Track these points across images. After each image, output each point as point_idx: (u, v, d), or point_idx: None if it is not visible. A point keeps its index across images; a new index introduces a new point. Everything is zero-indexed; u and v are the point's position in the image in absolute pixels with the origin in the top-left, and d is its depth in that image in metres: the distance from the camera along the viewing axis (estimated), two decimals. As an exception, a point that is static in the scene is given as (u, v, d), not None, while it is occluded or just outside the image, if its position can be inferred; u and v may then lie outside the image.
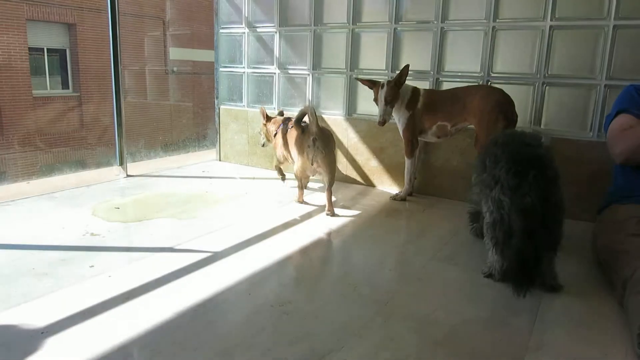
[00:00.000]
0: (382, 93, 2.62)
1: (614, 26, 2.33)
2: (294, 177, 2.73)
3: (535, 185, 1.56)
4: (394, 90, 2.61)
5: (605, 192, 2.05)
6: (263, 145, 3.19)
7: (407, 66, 2.61)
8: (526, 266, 1.57)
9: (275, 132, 2.94)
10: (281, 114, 3.10)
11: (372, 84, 2.69)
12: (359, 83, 2.82)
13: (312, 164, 2.51)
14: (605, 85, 2.39)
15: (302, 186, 2.72)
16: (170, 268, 1.80)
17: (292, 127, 2.68)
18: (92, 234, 2.11)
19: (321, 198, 2.77)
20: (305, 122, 2.63)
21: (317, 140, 2.46)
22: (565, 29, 2.47)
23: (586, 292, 1.70)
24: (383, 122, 2.64)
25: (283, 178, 3.06)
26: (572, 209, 2.41)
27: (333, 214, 2.50)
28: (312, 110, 2.47)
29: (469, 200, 2.09)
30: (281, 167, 3.02)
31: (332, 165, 2.55)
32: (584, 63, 2.43)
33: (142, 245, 2.04)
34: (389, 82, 2.62)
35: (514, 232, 1.59)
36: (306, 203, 2.71)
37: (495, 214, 1.65)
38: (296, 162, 2.62)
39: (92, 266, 1.79)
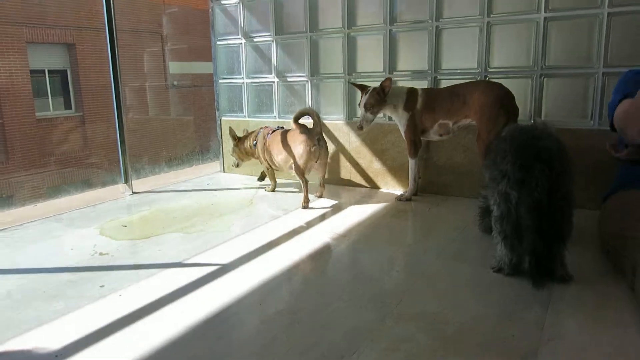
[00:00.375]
0: (363, 99, 2.68)
1: (609, 14, 2.33)
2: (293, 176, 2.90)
3: (542, 179, 1.55)
4: (375, 98, 2.66)
5: (608, 181, 2.04)
6: (237, 166, 3.31)
7: (388, 79, 2.65)
8: (541, 261, 1.57)
9: (254, 142, 3.09)
10: (246, 132, 3.26)
11: (362, 89, 2.73)
12: (358, 91, 2.83)
13: (315, 161, 2.76)
14: (603, 74, 2.38)
15: (307, 183, 2.81)
16: (179, 283, 1.81)
17: (274, 130, 2.99)
18: (100, 254, 2.13)
19: (323, 205, 2.79)
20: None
21: (321, 139, 2.76)
22: (560, 20, 2.46)
23: (596, 280, 1.70)
24: (360, 127, 2.71)
25: (272, 188, 3.18)
26: (577, 198, 2.41)
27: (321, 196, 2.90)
28: (315, 112, 2.74)
29: (480, 196, 2.09)
30: (269, 172, 3.15)
31: (326, 164, 2.90)
32: (580, 52, 2.43)
33: (151, 261, 2.05)
34: (373, 88, 2.66)
35: (523, 227, 1.59)
36: (311, 208, 2.72)
37: (502, 207, 1.65)
38: (299, 159, 2.76)
39: (103, 286, 1.80)
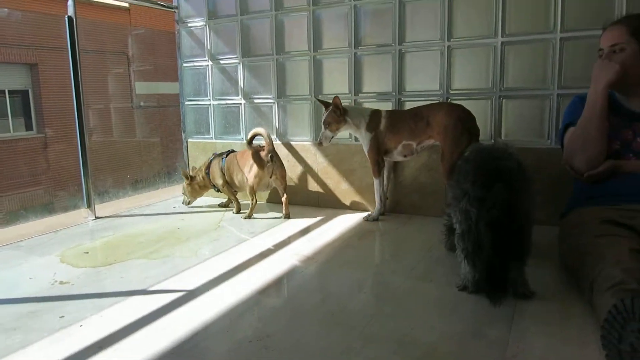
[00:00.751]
0: (323, 116, 2.77)
1: (561, 38, 2.44)
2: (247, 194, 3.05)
3: (501, 197, 1.59)
4: (332, 116, 2.74)
5: (568, 197, 2.11)
6: (189, 204, 3.35)
7: (336, 97, 2.73)
8: (495, 276, 1.61)
9: (207, 170, 3.23)
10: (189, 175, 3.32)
11: (325, 106, 2.79)
12: (323, 108, 2.86)
13: (270, 177, 2.97)
14: (557, 95, 2.48)
15: (256, 200, 3.02)
16: (143, 311, 1.76)
17: (227, 154, 3.19)
18: (61, 283, 2.06)
19: (291, 227, 2.78)
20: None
21: (274, 156, 2.95)
22: (516, 44, 2.57)
23: (557, 297, 1.74)
24: (319, 142, 2.84)
25: (229, 205, 3.32)
26: (537, 214, 2.48)
27: (289, 216, 2.99)
28: (266, 132, 2.96)
29: (445, 214, 2.13)
30: (230, 193, 3.24)
31: (285, 176, 3.06)
32: (536, 75, 2.53)
33: (114, 289, 1.99)
34: (331, 107, 2.74)
35: (482, 244, 1.63)
36: (279, 230, 2.71)
37: (464, 224, 1.69)
38: (252, 177, 2.95)
39: (63, 316, 1.74)
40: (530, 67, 2.55)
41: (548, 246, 2.13)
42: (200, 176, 3.26)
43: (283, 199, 3.02)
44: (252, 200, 3.00)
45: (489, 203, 1.60)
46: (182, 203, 3.38)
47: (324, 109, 2.80)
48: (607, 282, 1.44)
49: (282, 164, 3.03)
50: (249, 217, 3.01)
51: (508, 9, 2.54)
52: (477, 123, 2.52)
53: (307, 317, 1.70)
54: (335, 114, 2.75)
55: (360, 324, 1.61)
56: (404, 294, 1.85)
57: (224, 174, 3.17)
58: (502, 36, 2.57)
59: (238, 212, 3.17)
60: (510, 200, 1.60)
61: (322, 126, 2.80)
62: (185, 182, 3.28)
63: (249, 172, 2.98)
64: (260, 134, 2.97)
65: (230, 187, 3.21)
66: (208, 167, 3.24)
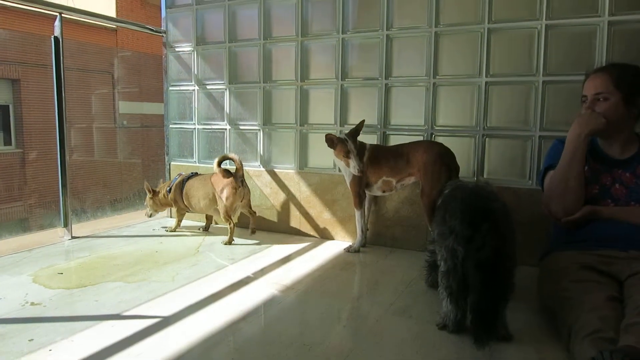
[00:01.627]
0: (351, 146, 2.64)
1: (544, 82, 2.51)
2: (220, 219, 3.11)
3: (488, 238, 1.61)
4: (339, 148, 2.68)
5: (545, 239, 2.14)
6: (150, 216, 3.39)
7: (362, 121, 2.73)
8: (485, 319, 1.61)
9: (168, 188, 3.28)
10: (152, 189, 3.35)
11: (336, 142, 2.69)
12: (308, 137, 2.88)
13: (241, 201, 3.02)
14: (539, 136, 2.54)
15: (234, 224, 3.05)
16: (117, 337, 1.72)
17: (189, 177, 3.24)
18: (32, 304, 2.00)
19: (271, 255, 2.77)
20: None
21: (244, 180, 3.04)
22: (499, 85, 2.63)
23: (535, 340, 1.74)
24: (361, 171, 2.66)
25: (175, 227, 3.35)
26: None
27: (254, 232, 3.12)
28: (236, 156, 3.03)
29: (427, 250, 2.13)
30: (179, 213, 3.32)
31: (250, 199, 3.15)
32: (519, 116, 2.59)
33: (87, 313, 1.94)
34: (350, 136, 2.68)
35: (469, 284, 1.64)
36: (260, 258, 2.68)
37: (449, 262, 1.69)
38: (226, 201, 2.98)
39: (32, 340, 1.68)
40: (513, 107, 2.61)
41: (526, 288, 2.15)
42: (162, 193, 3.30)
43: (253, 218, 3.14)
44: (230, 224, 3.00)
45: (477, 242, 1.61)
46: (145, 215, 3.39)
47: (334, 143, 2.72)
48: (584, 329, 1.45)
49: (249, 189, 3.13)
50: (230, 242, 2.99)
51: (493, 49, 2.62)
52: (460, 161, 2.56)
53: (284, 349, 1.67)
54: (340, 147, 2.67)
55: (338, 359, 1.59)
56: (383, 329, 1.84)
57: (182, 197, 3.23)
58: (486, 76, 2.64)
59: (175, 230, 3.30)
60: (499, 240, 1.62)
61: (355, 156, 2.62)
62: (148, 196, 3.31)
63: (222, 195, 3.00)
64: (231, 158, 3.04)
65: (181, 208, 3.29)
66: (170, 187, 3.29)
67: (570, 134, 1.93)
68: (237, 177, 3.00)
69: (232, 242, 2.99)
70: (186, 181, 3.23)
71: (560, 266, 1.85)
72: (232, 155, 3.05)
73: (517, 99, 2.60)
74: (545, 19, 2.48)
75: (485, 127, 2.67)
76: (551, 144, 2.19)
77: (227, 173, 3.01)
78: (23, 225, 9.07)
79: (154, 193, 3.31)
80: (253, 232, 3.13)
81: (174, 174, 3.71)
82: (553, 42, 2.49)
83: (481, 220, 1.63)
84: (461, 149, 2.62)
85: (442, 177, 2.44)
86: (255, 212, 3.17)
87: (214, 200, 3.08)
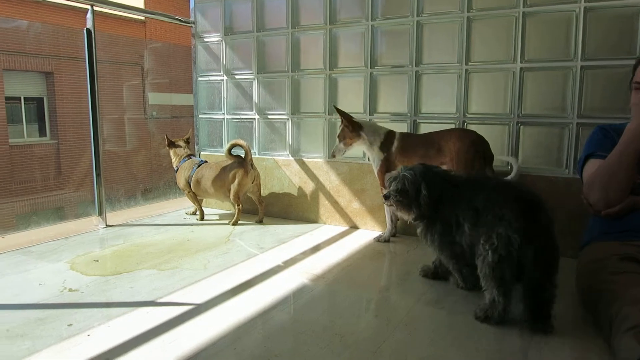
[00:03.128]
0: (339, 129, 2.83)
1: (582, 67, 2.43)
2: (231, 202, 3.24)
3: (545, 226, 1.68)
4: (344, 131, 2.79)
5: (585, 229, 2.07)
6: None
7: (340, 112, 2.79)
8: (546, 308, 1.67)
9: (176, 168, 3.44)
10: (187, 140, 3.56)
11: (341, 117, 2.80)
12: (337, 125, 2.87)
13: (252, 182, 3.19)
14: (577, 124, 2.46)
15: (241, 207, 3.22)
16: (151, 323, 1.75)
17: (199, 164, 3.34)
18: (70, 290, 2.05)
19: (300, 244, 2.77)
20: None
21: (253, 164, 3.21)
22: (535, 70, 2.56)
23: (575, 333, 1.70)
24: (332, 154, 2.90)
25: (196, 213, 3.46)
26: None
27: (262, 221, 3.27)
28: (245, 143, 3.14)
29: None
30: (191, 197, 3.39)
31: (260, 183, 3.33)
32: (555, 102, 2.52)
33: (122, 299, 1.98)
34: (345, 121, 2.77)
35: (525, 273, 1.66)
36: (289, 247, 2.69)
37: (501, 250, 1.66)
38: (237, 185, 3.13)
39: (71, 325, 1.73)
40: (549, 94, 2.53)
41: (563, 279, 2.09)
42: (175, 160, 3.47)
43: (261, 206, 3.29)
44: (238, 206, 3.19)
45: (535, 230, 1.65)
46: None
47: (340, 122, 2.80)
48: (625, 322, 1.40)
49: (258, 172, 3.28)
50: (236, 223, 3.19)
51: (528, 34, 2.54)
52: (494, 149, 2.50)
53: (316, 338, 1.68)
54: (348, 128, 2.77)
55: (370, 349, 1.58)
56: (415, 320, 1.82)
57: (188, 183, 3.32)
58: (521, 62, 2.57)
59: (202, 219, 3.37)
60: (551, 229, 1.68)
61: (337, 139, 2.84)
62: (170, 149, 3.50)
63: (233, 180, 3.14)
64: (239, 145, 3.16)
65: (194, 194, 3.36)
66: (178, 164, 3.44)
67: (632, 124, 1.80)
68: (247, 162, 3.15)
69: (238, 224, 3.19)
70: (195, 169, 3.32)
71: (599, 257, 1.79)
72: (240, 141, 3.16)
73: (553, 85, 2.52)
74: (584, 1, 2.39)
75: (520, 115, 2.60)
76: (591, 131, 2.11)
77: (238, 159, 3.18)
78: (59, 213, 9.35)
79: (170, 144, 3.49)
80: (260, 221, 3.26)
81: (203, 164, 3.75)
82: (592, 25, 2.40)
83: (534, 210, 1.68)
84: (494, 137, 2.56)
85: (476, 166, 2.40)
86: (263, 201, 3.31)
87: (224, 185, 3.19)
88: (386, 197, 1.98)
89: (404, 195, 1.92)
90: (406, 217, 2.02)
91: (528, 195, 1.74)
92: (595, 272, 1.74)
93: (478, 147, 2.44)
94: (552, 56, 2.51)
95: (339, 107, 2.84)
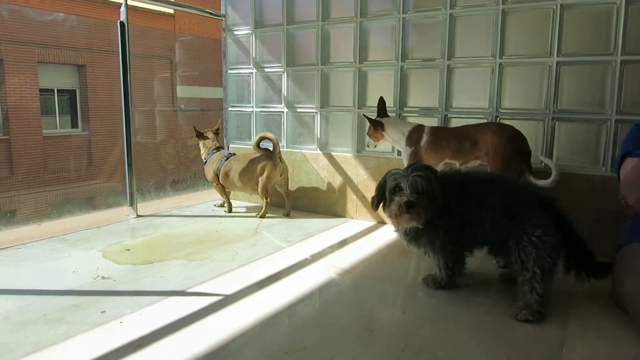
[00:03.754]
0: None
1: (622, 61, 2.35)
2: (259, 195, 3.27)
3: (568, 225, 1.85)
4: (370, 130, 2.86)
5: (621, 230, 2.01)
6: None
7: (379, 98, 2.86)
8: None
9: (204, 160, 3.46)
10: (217, 132, 3.56)
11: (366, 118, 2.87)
12: (366, 120, 2.85)
13: (280, 176, 3.22)
14: (615, 120, 2.38)
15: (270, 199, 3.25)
16: (181, 313, 1.77)
17: (228, 157, 3.38)
18: (102, 278, 2.10)
19: (328, 238, 2.76)
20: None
21: (281, 157, 3.22)
22: (572, 65, 2.48)
23: (608, 333, 1.65)
24: (367, 145, 2.97)
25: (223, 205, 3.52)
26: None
27: (289, 214, 3.29)
28: (273, 136, 3.18)
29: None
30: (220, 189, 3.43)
31: (288, 176, 3.34)
32: (593, 98, 2.44)
33: (153, 288, 2.01)
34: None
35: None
36: (317, 240, 2.69)
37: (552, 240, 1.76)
38: (266, 177, 3.17)
39: (104, 312, 1.77)
40: (587, 89, 2.46)
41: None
42: (204, 151, 3.47)
43: (288, 199, 3.32)
44: (266, 199, 3.21)
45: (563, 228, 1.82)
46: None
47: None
48: None
49: (287, 165, 3.30)
50: (263, 216, 3.21)
51: (565, 27, 2.47)
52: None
53: (344, 332, 1.67)
54: (371, 129, 2.84)
55: (399, 345, 1.57)
56: (443, 316, 1.80)
57: (217, 176, 3.35)
58: (557, 55, 2.50)
59: (230, 211, 3.38)
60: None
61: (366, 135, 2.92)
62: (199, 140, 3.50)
63: (262, 173, 3.18)
64: (268, 137, 3.19)
65: (222, 187, 3.38)
66: (207, 156, 3.45)
67: None
68: (276, 155, 3.17)
69: (266, 216, 3.21)
70: (224, 161, 3.35)
71: (638, 259, 1.73)
72: (269, 134, 3.20)
73: (591, 79, 2.44)
74: (626, -6, 2.31)
75: (556, 110, 2.54)
76: (629, 129, 2.04)
77: (266, 152, 3.20)
78: (91, 203, 9.56)
79: (199, 136, 3.50)
80: (287, 214, 3.27)
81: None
82: (633, 18, 2.31)
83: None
84: (528, 133, 2.49)
85: (513, 164, 2.34)
86: (290, 194, 3.34)
87: (252, 178, 3.22)
88: (411, 205, 1.77)
89: (422, 199, 1.79)
90: (416, 223, 1.84)
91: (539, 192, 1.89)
92: (634, 273, 1.68)
93: (516, 143, 2.38)
94: (591, 50, 2.43)
95: (365, 114, 2.92)
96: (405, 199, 1.78)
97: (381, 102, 2.86)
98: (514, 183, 1.96)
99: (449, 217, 1.86)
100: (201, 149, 3.53)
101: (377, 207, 1.97)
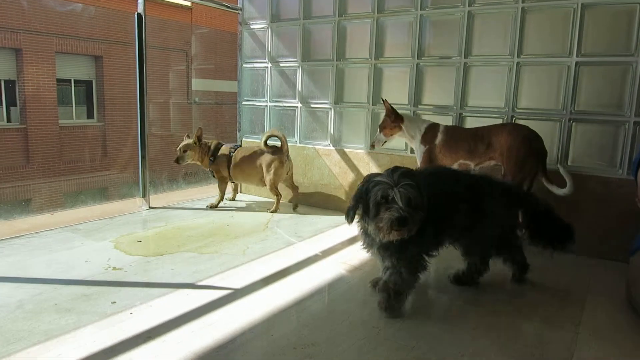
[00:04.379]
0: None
1: (642, 62, 2.30)
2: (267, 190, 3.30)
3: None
4: (386, 120, 2.76)
5: (637, 233, 1.98)
6: (178, 162, 3.34)
7: (384, 102, 2.74)
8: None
9: (212, 158, 3.36)
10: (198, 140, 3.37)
11: (385, 105, 2.76)
12: (380, 117, 2.83)
13: (287, 174, 3.28)
14: (634, 122, 2.34)
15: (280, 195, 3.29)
16: (190, 305, 1.78)
17: (235, 148, 3.39)
18: (114, 268, 2.11)
19: (338, 235, 2.76)
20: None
21: (288, 155, 3.25)
22: (591, 65, 2.44)
23: (618, 337, 1.63)
24: (371, 145, 2.88)
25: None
26: (602, 247, 2.35)
27: (297, 207, 3.34)
28: (282, 133, 3.21)
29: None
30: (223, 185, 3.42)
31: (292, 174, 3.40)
32: (611, 99, 2.40)
33: (164, 280, 2.02)
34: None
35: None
36: (327, 237, 2.69)
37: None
38: (273, 175, 3.20)
39: (114, 302, 1.78)
40: (605, 90, 2.41)
41: (613, 283, 2.01)
42: (202, 154, 3.34)
43: (295, 192, 3.39)
44: (277, 195, 3.25)
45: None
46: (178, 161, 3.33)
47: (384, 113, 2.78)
48: None
49: (292, 162, 3.33)
50: (275, 211, 3.22)
51: (586, 27, 2.42)
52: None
53: (353, 329, 1.67)
54: (390, 118, 2.73)
55: (408, 345, 1.56)
56: (453, 316, 1.79)
57: (228, 168, 3.34)
58: (577, 56, 2.46)
59: (217, 205, 3.33)
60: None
61: (378, 129, 2.80)
62: (189, 141, 3.30)
63: (270, 170, 3.20)
64: (276, 135, 3.21)
65: (223, 177, 3.38)
66: (214, 154, 3.36)
67: None
68: (283, 153, 3.20)
69: (277, 211, 3.23)
70: (233, 153, 3.36)
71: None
72: (276, 132, 3.23)
73: (610, 80, 2.40)
74: (649, -7, 2.26)
75: (573, 111, 2.50)
76: None
77: (274, 149, 3.23)
78: (104, 193, 9.65)
79: (198, 141, 3.32)
80: (295, 207, 3.32)
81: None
82: (656, 18, 2.27)
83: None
84: (544, 133, 2.46)
85: (528, 164, 2.31)
86: (297, 187, 3.39)
87: (260, 172, 3.26)
88: (403, 221, 1.54)
89: (415, 214, 1.58)
90: (404, 236, 1.61)
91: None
92: None
93: (531, 144, 2.34)
94: (611, 51, 2.38)
95: (385, 99, 2.79)
96: (397, 214, 1.54)
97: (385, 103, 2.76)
98: (478, 175, 2.02)
99: (426, 220, 1.66)
100: (196, 157, 3.33)
101: (352, 220, 1.69)
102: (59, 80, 10.13)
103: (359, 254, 2.43)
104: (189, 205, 3.38)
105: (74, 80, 10.58)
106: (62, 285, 1.92)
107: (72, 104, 10.54)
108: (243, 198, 3.65)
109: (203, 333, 1.58)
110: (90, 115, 10.89)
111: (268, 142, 3.24)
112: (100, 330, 1.57)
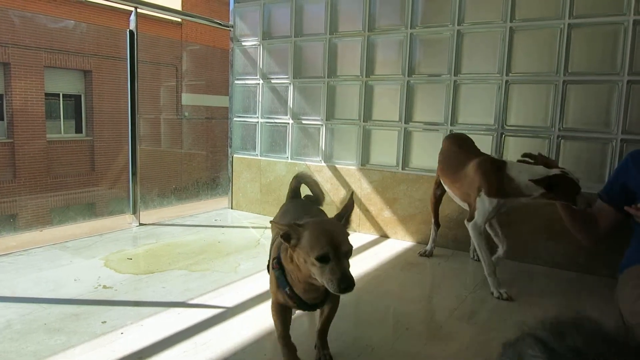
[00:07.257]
0: None
1: (628, 81, 2.35)
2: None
3: None
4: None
5: (625, 249, 2.00)
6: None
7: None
8: None
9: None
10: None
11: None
12: (371, 133, 2.84)
13: None
14: (621, 140, 2.38)
15: None
16: (182, 325, 1.76)
17: None
18: (104, 287, 2.09)
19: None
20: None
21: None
22: (579, 83, 2.49)
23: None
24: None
25: None
26: (592, 264, 2.38)
27: None
28: (311, 180, 2.13)
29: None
30: None
31: None
32: (599, 117, 2.44)
33: (155, 299, 2.00)
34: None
35: None
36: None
37: None
38: None
39: (105, 322, 1.75)
40: (593, 108, 2.46)
41: (601, 298, 2.02)
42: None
43: None
44: None
45: None
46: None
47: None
48: None
49: None
50: None
51: (573, 46, 2.47)
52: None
53: (346, 349, 1.66)
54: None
55: (402, 361, 1.56)
56: (447, 334, 1.79)
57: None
58: (564, 74, 2.50)
59: None
60: None
61: None
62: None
63: None
64: (305, 183, 2.14)
65: None
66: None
67: None
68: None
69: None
70: None
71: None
72: (299, 174, 2.15)
73: (597, 99, 2.44)
74: (634, 14, 2.32)
75: (561, 128, 2.54)
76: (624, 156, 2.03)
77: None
78: (93, 210, 9.55)
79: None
80: None
81: (236, 167, 3.77)
82: (641, 39, 2.32)
83: None
84: (534, 150, 2.48)
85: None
86: None
87: None
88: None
89: None
90: None
91: None
92: (637, 297, 1.67)
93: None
94: (597, 69, 2.43)
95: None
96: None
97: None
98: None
99: None
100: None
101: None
102: (47, 95, 10.07)
103: (351, 271, 2.41)
104: (180, 221, 3.36)
105: (63, 94, 10.53)
106: (51, 305, 1.89)
107: (60, 118, 10.47)
108: (236, 214, 3.63)
109: (195, 353, 1.56)
110: (78, 130, 10.81)
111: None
112: (91, 351, 1.55)
